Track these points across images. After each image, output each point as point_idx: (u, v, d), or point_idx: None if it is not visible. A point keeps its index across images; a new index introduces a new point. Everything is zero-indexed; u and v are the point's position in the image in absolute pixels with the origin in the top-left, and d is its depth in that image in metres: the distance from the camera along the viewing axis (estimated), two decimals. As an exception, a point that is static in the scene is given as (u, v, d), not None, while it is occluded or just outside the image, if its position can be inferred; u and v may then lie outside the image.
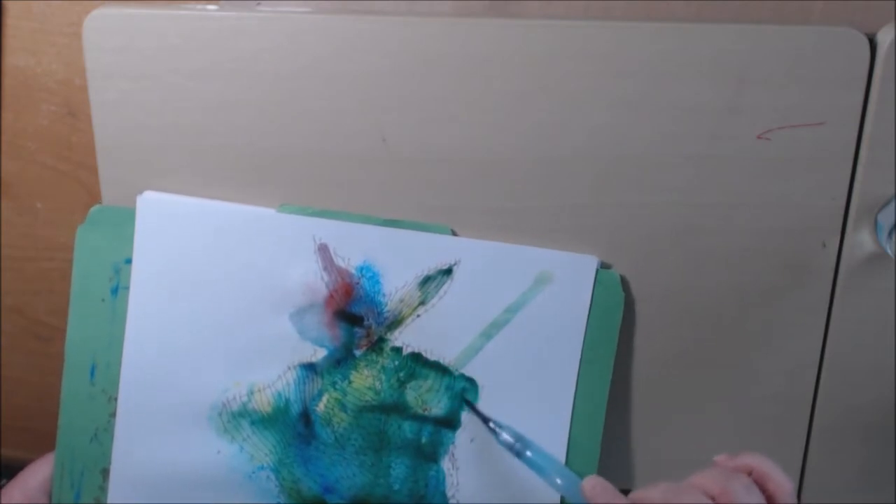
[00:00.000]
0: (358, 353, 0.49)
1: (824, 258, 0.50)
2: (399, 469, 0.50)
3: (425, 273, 0.48)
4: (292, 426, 0.49)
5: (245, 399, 0.49)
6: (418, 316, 0.49)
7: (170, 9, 0.48)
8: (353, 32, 0.47)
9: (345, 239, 0.48)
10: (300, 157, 0.49)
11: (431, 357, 0.49)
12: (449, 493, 0.50)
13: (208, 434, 0.49)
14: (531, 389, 0.49)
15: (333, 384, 0.49)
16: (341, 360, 0.49)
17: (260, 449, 0.49)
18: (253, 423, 0.49)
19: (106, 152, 0.50)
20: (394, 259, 0.48)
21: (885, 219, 0.48)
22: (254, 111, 0.48)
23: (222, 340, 0.49)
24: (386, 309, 0.49)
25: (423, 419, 0.49)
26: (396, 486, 0.50)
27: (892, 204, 0.48)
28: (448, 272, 0.48)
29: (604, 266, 0.50)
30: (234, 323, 0.49)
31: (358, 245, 0.48)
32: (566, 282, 0.49)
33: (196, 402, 0.49)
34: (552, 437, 0.49)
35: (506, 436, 0.47)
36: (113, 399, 0.50)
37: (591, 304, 0.49)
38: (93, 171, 0.51)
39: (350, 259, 0.48)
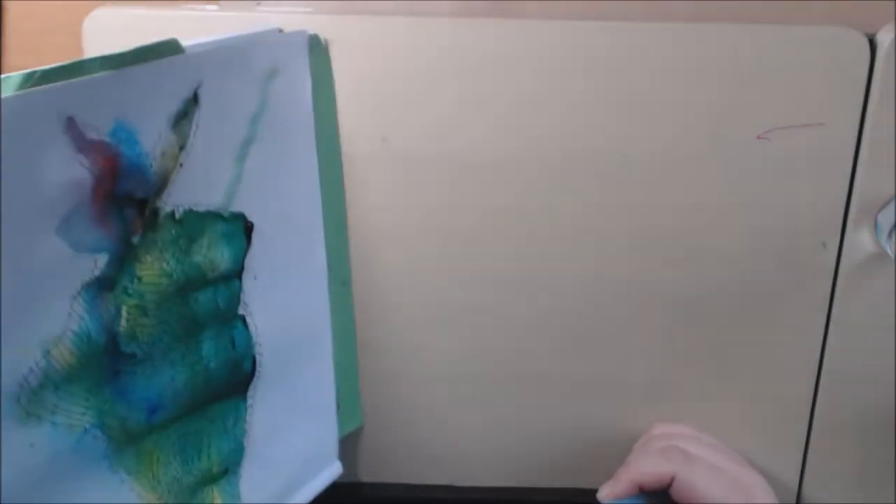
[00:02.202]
0: (136, 239, 0.39)
1: (824, 258, 0.50)
2: (208, 346, 0.44)
3: (175, 109, 0.39)
4: (97, 364, 0.39)
5: (43, 364, 0.36)
6: (181, 165, 0.40)
7: (170, 9, 0.48)
8: (353, 32, 0.47)
9: (82, 101, 0.35)
10: (300, 157, 0.49)
11: (202, 209, 0.42)
12: (255, 342, 0.46)
13: (13, 434, 0.36)
14: (285, 198, 0.46)
15: (126, 291, 0.39)
16: (124, 257, 0.39)
17: (73, 412, 0.38)
18: (57, 387, 0.37)
19: (106, 152, 0.49)
20: (141, 106, 0.38)
21: (885, 219, 0.48)
22: (254, 111, 0.48)
23: None
24: (152, 171, 0.39)
25: (214, 281, 0.43)
26: (212, 364, 0.44)
27: (892, 204, 0.48)
28: (195, 100, 0.40)
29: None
30: None
31: (99, 103, 0.36)
32: (289, 70, 0.44)
33: None
34: (310, 234, 0.48)
35: None
36: None
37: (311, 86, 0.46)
38: (93, 171, 0.51)
39: (100, 125, 0.36)
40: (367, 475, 0.56)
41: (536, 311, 0.52)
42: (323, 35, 0.47)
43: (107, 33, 0.48)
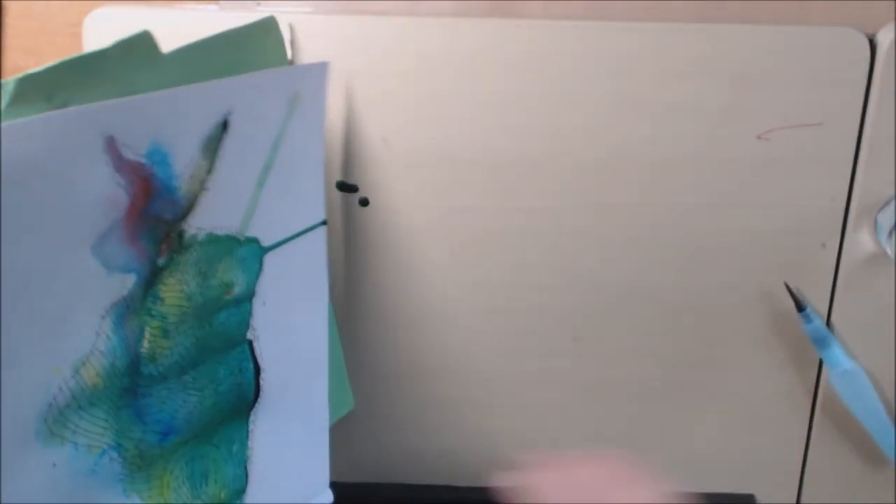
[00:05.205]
0: (161, 261, 0.39)
1: (824, 258, 0.50)
2: (221, 369, 0.43)
3: (205, 133, 0.39)
4: (118, 385, 0.39)
5: (72, 384, 0.36)
6: (207, 189, 0.40)
7: (170, 9, 0.48)
8: (354, 32, 0.47)
9: (122, 121, 0.35)
10: (300, 157, 0.49)
11: (222, 232, 0.42)
12: (260, 367, 0.46)
13: (36, 454, 0.35)
14: (295, 221, 0.46)
15: (149, 312, 0.39)
16: (150, 278, 0.39)
17: (94, 433, 0.38)
18: (80, 407, 0.37)
19: (106, 152, 0.49)
20: (175, 129, 0.37)
21: (885, 219, 0.48)
22: (254, 111, 0.48)
23: (31, 321, 0.34)
24: (181, 193, 0.39)
25: (228, 305, 0.43)
26: (221, 388, 0.44)
27: (892, 204, 0.48)
28: (225, 125, 0.40)
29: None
30: (34, 289, 0.34)
31: (137, 124, 0.36)
32: (309, 98, 0.43)
33: (20, 420, 0.35)
34: (316, 255, 0.47)
35: (818, 323, 0.48)
36: None
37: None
38: (93, 171, 0.51)
39: (137, 146, 0.36)
40: (367, 475, 0.56)
41: (536, 311, 0.52)
42: (322, 35, 0.47)
43: (107, 33, 0.47)
